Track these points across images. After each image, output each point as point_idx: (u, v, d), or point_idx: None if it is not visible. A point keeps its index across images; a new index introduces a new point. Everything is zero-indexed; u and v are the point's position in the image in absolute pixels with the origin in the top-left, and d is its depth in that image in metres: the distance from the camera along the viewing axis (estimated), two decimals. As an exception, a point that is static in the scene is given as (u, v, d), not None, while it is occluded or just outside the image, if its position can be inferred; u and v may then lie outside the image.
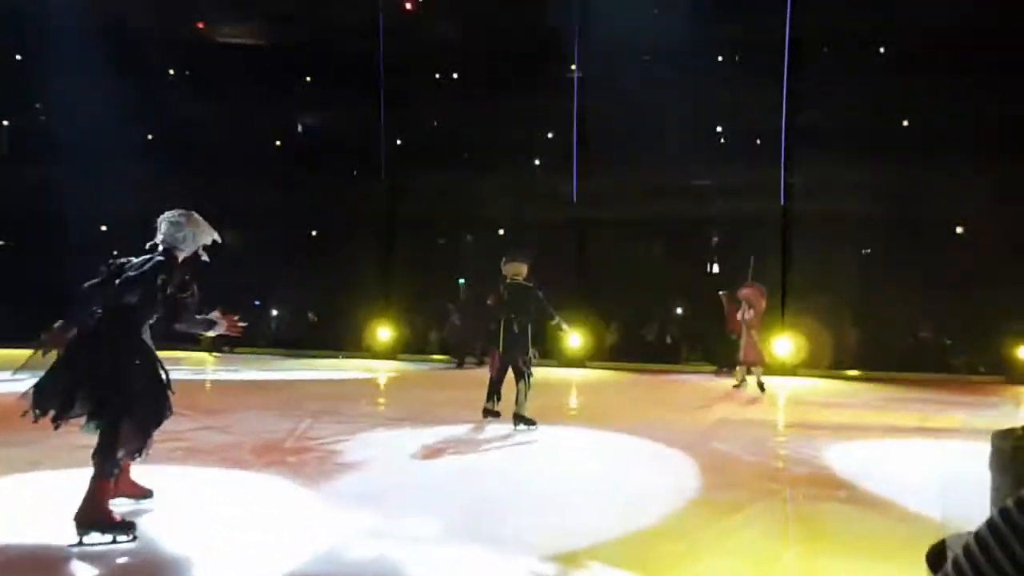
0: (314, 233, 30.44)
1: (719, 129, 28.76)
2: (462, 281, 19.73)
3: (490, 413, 8.29)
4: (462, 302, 19.41)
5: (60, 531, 4.08)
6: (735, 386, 12.70)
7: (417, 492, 5.38)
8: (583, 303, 19.34)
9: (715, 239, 27.80)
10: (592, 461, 6.86)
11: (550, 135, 28.95)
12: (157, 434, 4.42)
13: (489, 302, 8.43)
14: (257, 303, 24.66)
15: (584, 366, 17.64)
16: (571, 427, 8.84)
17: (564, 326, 8.67)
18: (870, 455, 7.17)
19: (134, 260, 4.41)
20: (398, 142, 30.61)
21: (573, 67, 24.47)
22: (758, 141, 27.86)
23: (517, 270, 8.35)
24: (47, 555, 3.80)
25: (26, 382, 4.13)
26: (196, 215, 4.67)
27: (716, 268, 27.65)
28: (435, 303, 22.84)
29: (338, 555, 3.93)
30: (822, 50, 25.57)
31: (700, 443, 7.53)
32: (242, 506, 4.91)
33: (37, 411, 4.16)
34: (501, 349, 8.22)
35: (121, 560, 3.77)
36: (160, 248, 4.44)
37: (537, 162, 30.49)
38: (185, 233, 4.52)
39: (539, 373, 8.88)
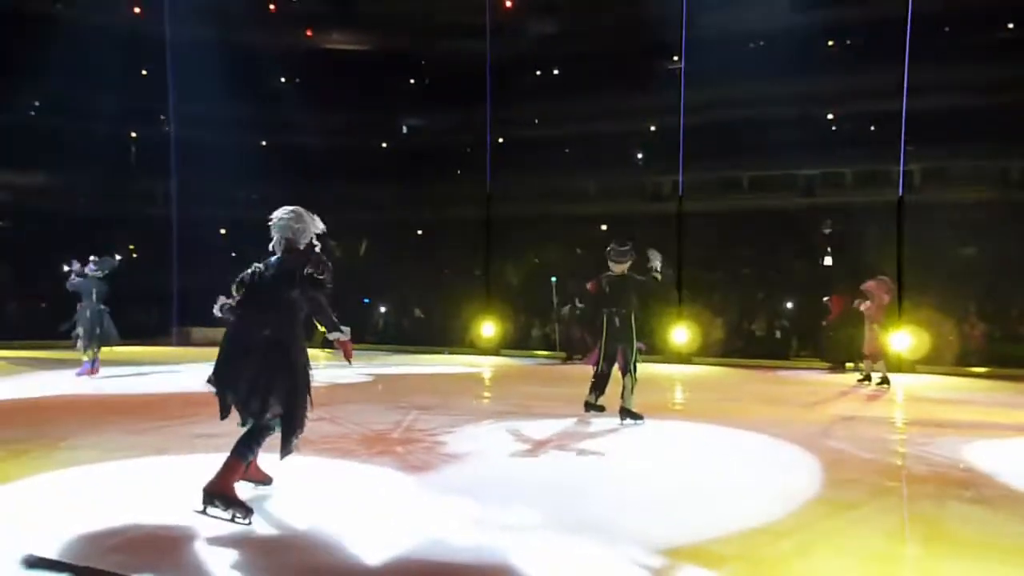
0: (420, 232, 31.10)
1: (829, 117, 27.70)
2: (554, 279, 19.65)
3: (592, 407, 8.23)
4: (566, 298, 19.34)
5: (180, 516, 4.30)
6: (859, 380, 12.48)
7: (520, 484, 5.40)
8: (688, 298, 19.01)
9: (827, 231, 26.80)
10: (699, 457, 6.73)
11: (652, 128, 28.57)
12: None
13: (589, 287, 8.39)
14: (366, 300, 25.38)
15: (690, 362, 17.32)
16: (677, 422, 8.70)
17: (657, 274, 8.27)
18: (999, 454, 6.74)
19: (269, 263, 4.77)
20: (500, 140, 30.87)
21: (676, 58, 24.02)
22: (872, 128, 26.69)
23: (619, 263, 8.28)
24: (166, 537, 4.00)
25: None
26: (301, 209, 4.95)
27: (828, 260, 26.65)
28: (538, 299, 22.90)
29: (442, 543, 3.99)
30: (942, 30, 24.23)
31: (813, 440, 7.27)
32: (351, 494, 5.05)
33: (223, 404, 4.61)
34: (604, 342, 8.16)
35: (235, 543, 3.94)
36: (283, 246, 4.74)
37: (640, 156, 30.17)
38: (297, 227, 4.79)
39: (643, 369, 8.77)
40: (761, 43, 26.79)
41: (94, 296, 11.67)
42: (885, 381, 12.09)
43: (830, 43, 27.58)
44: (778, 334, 20.14)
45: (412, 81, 33.05)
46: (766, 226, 25.32)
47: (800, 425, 8.20)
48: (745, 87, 25.69)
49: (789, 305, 22.41)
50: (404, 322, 24.19)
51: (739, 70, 25.24)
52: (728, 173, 27.19)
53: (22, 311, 22.34)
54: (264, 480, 4.98)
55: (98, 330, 11.64)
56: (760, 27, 25.99)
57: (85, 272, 11.72)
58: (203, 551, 3.77)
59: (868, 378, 12.42)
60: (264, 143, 31.31)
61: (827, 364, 16.05)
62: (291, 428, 4.60)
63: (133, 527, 4.09)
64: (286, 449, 4.64)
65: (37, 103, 29.92)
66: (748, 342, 19.58)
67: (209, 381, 4.65)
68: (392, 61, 30.79)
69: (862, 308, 12.18)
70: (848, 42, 27.58)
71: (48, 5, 27.86)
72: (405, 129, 33.00)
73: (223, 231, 31.66)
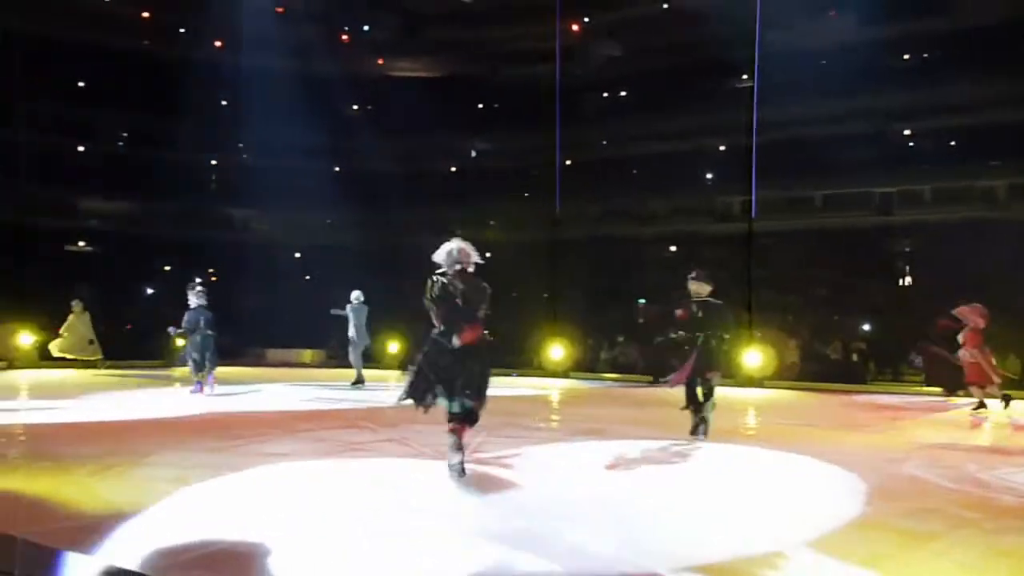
0: (488, 255, 31.41)
1: (906, 132, 26.94)
2: (641, 301, 19.47)
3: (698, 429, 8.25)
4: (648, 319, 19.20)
5: (256, 531, 4.43)
6: (974, 410, 11.77)
7: (585, 503, 5.38)
8: (759, 320, 18.64)
9: (905, 250, 25.99)
10: (769, 484, 6.59)
11: (721, 148, 28.27)
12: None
13: (678, 313, 8.47)
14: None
15: (762, 385, 16.96)
16: (749, 447, 8.53)
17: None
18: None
19: (457, 283, 6.00)
20: (567, 162, 30.95)
21: (745, 76, 23.76)
22: (952, 143, 25.88)
23: (702, 288, 8.34)
24: (244, 553, 4.12)
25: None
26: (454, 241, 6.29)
27: (908, 281, 25.84)
28: (606, 321, 22.79)
29: (504, 563, 3.99)
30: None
31: (890, 467, 7.05)
32: (414, 514, 5.10)
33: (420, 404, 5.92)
34: (693, 365, 8.18)
35: (303, 557, 4.02)
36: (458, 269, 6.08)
37: (709, 175, 29.84)
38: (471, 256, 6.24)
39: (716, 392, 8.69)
40: (833, 58, 26.30)
41: (202, 323, 12.71)
42: (982, 406, 11.63)
43: (905, 56, 26.89)
44: (855, 357, 19.55)
45: (480, 105, 33.47)
46: (840, 245, 24.70)
47: (877, 451, 7.96)
48: (817, 103, 25.24)
49: (866, 327, 21.78)
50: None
51: (811, 86, 24.83)
52: (801, 192, 26.66)
53: (109, 333, 23.20)
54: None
55: (204, 353, 12.72)
56: (831, 42, 25.51)
57: (192, 304, 12.82)
58: (277, 567, 3.86)
59: (983, 405, 11.73)
60: (337, 169, 32.09)
61: (943, 390, 15.09)
62: (474, 420, 6.01)
63: (212, 542, 4.22)
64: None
65: (125, 134, 31.32)
66: (823, 365, 19.05)
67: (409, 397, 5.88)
68: (461, 86, 31.28)
69: (961, 337, 11.80)
70: (925, 55, 26.84)
71: (136, 42, 29.18)
72: (474, 152, 33.38)
73: (297, 255, 32.50)
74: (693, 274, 8.52)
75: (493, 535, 4.60)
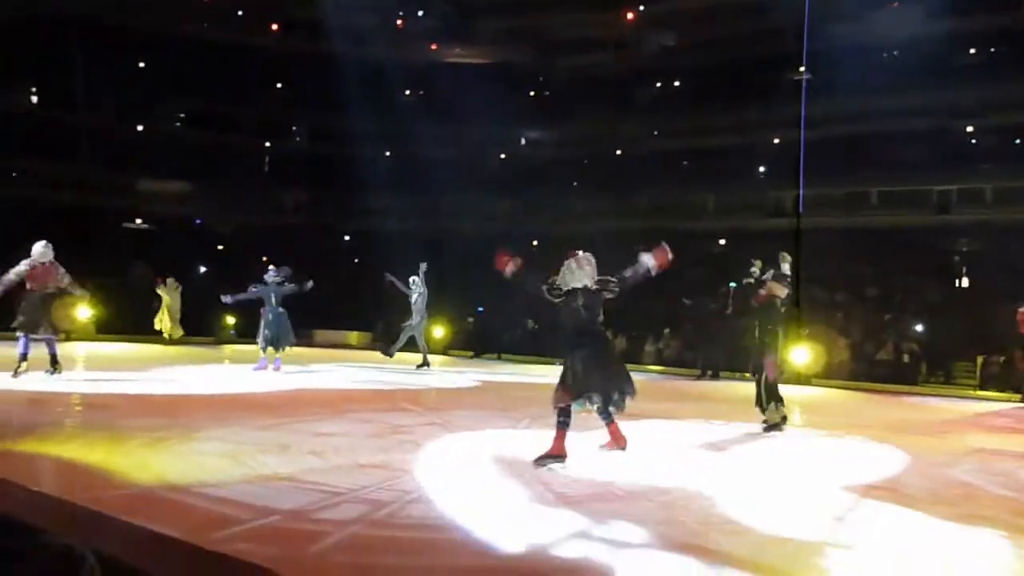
0: (535, 243, 31.24)
1: (968, 129, 26.20)
2: (732, 284, 19.19)
3: (775, 426, 8.35)
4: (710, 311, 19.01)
5: (303, 508, 4.51)
6: None
7: (624, 490, 5.36)
8: (807, 317, 18.34)
9: (963, 250, 25.31)
10: (811, 483, 6.49)
11: (775, 141, 27.81)
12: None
13: (758, 299, 8.53)
14: (479, 310, 25.73)
15: (809, 383, 16.70)
16: (791, 446, 8.41)
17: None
18: None
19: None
20: (617, 152, 30.78)
21: (801, 69, 23.30)
22: (1017, 141, 25.12)
23: (777, 287, 8.59)
24: (293, 530, 4.20)
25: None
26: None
27: (965, 282, 25.17)
28: (650, 315, 22.61)
29: (542, 551, 4.01)
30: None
31: (939, 472, 6.89)
32: (456, 498, 5.13)
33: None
34: (766, 355, 8.48)
35: (351, 539, 4.08)
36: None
37: (761, 170, 29.41)
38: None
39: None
40: (894, 53, 25.66)
41: (273, 300, 13.02)
42: None
43: (971, 51, 26.13)
44: (906, 358, 19.14)
45: (532, 94, 33.41)
46: (894, 244, 24.16)
47: (927, 455, 7.79)
48: (876, 99, 24.68)
49: (919, 328, 21.29)
50: (517, 332, 24.31)
51: (870, 81, 24.28)
52: (856, 188, 26.13)
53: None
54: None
55: (277, 331, 13.01)
56: (893, 37, 24.90)
57: (265, 279, 13.15)
58: (328, 546, 3.93)
59: None
60: (388, 154, 32.35)
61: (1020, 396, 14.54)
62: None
63: (259, 515, 4.31)
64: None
65: (183, 115, 31.97)
66: (872, 365, 18.70)
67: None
68: (512, 74, 31.24)
69: None
70: (991, 50, 26.06)
71: (194, 26, 29.71)
72: (524, 141, 33.37)
73: (347, 238, 32.89)
74: (771, 272, 8.62)
75: (537, 523, 4.62)
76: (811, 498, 5.76)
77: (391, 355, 15.29)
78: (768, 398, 8.41)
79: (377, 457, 6.12)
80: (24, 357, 10.20)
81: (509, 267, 6.39)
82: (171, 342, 19.22)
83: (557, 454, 6.02)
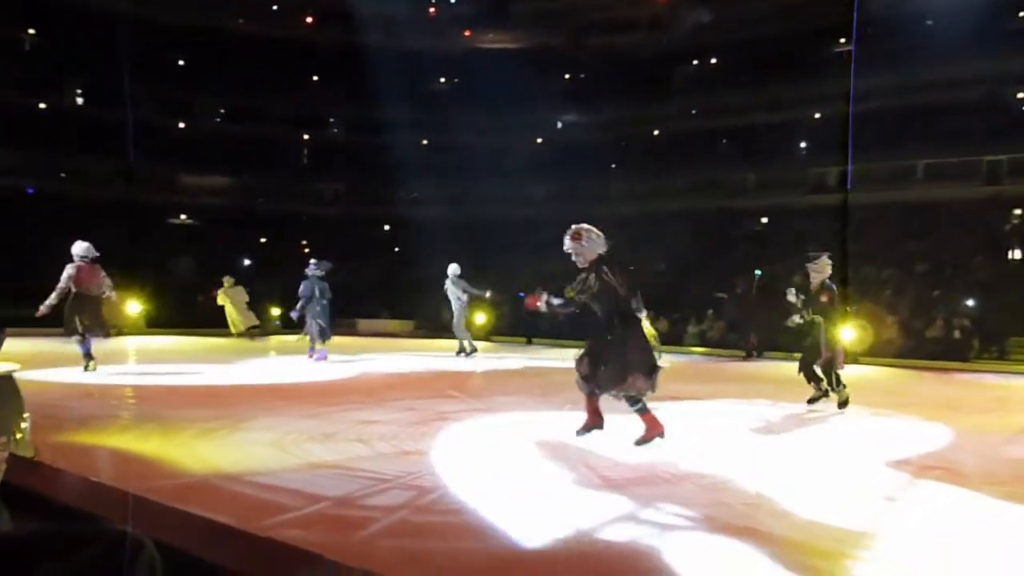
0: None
1: (1020, 96, 25.40)
2: (758, 272, 19.03)
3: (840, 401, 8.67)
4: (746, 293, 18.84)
5: (349, 494, 4.57)
6: None
7: (670, 473, 5.34)
8: (854, 294, 18.02)
9: (1014, 222, 24.61)
10: (860, 462, 6.38)
11: (816, 116, 27.29)
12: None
13: (826, 298, 8.77)
14: (521, 295, 25.76)
15: (857, 362, 16.41)
16: (841, 424, 8.30)
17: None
18: None
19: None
20: (654, 132, 30.48)
21: (843, 40, 22.79)
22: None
23: (824, 268, 8.76)
24: (342, 517, 4.26)
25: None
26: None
27: (1018, 254, 24.49)
28: (692, 296, 22.43)
29: (591, 536, 4.02)
30: None
31: (992, 450, 6.74)
32: (500, 483, 5.15)
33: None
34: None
35: (393, 524, 4.13)
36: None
37: (803, 146, 28.87)
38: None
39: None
40: (940, 21, 24.92)
41: (317, 292, 13.33)
42: None
43: (1021, 15, 25.26)
44: (957, 334, 18.71)
45: (567, 76, 33.18)
46: (943, 218, 23.58)
47: (980, 433, 7.62)
48: (922, 69, 24.05)
49: (970, 303, 20.79)
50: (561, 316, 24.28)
51: (915, 51, 23.68)
52: (901, 162, 25.51)
53: (205, 303, 24.18)
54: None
55: (326, 322, 13.42)
56: (938, 3, 24.21)
57: (307, 273, 13.53)
58: (375, 531, 3.98)
59: None
60: (425, 142, 32.44)
61: None
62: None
63: (308, 503, 4.39)
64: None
65: (222, 110, 32.36)
66: (922, 342, 18.32)
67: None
68: (547, 57, 31.05)
69: None
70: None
71: (230, 20, 30.01)
72: (559, 125, 33.17)
73: (387, 227, 33.10)
74: (813, 258, 8.83)
75: (585, 508, 4.62)
76: (861, 478, 5.68)
77: (466, 351, 15.30)
78: (836, 381, 8.66)
79: (422, 444, 6.17)
80: (90, 354, 10.43)
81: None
82: (248, 335, 19.24)
83: (591, 424, 6.38)
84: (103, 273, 10.66)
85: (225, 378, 11.03)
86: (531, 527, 4.08)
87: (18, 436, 4.90)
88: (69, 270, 10.37)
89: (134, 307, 19.98)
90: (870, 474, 5.80)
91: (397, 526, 4.06)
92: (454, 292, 14.89)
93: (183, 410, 7.68)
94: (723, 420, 8.06)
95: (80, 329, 10.32)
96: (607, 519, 4.23)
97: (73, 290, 10.37)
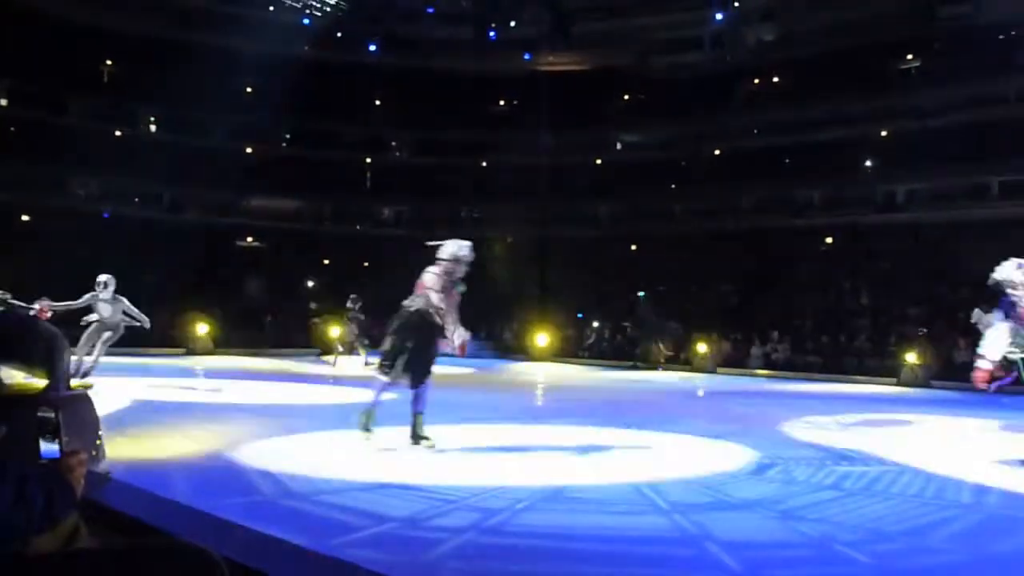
0: (633, 247, 30.78)
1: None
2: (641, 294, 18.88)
3: None
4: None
5: (415, 511, 4.56)
6: None
7: (737, 498, 5.19)
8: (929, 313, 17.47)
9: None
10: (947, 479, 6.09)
11: (883, 133, 26.64)
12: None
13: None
14: (580, 316, 25.64)
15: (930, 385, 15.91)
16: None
17: None
18: None
19: None
20: (716, 152, 30.14)
21: (908, 56, 22.27)
22: None
23: None
24: (408, 535, 4.25)
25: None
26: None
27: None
28: (759, 316, 22.01)
29: (663, 557, 3.93)
30: None
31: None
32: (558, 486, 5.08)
33: None
34: None
35: (460, 523, 4.10)
36: None
37: (868, 163, 28.15)
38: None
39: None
40: (1012, 33, 24.15)
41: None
42: None
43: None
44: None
45: (626, 97, 33.09)
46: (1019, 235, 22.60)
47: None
48: (991, 84, 23.33)
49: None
50: (617, 337, 24.06)
51: (989, 64, 23.01)
52: (977, 179, 24.62)
53: (275, 324, 24.69)
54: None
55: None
56: (1010, 16, 23.44)
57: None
58: (442, 553, 3.96)
59: None
60: (484, 164, 32.68)
61: None
62: None
63: (375, 523, 4.39)
64: None
65: (288, 135, 33.02)
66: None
67: None
68: (607, 78, 31.00)
69: None
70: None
71: (299, 48, 30.60)
72: (619, 145, 32.99)
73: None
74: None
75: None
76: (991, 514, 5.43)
77: None
78: None
79: (487, 463, 6.14)
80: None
81: None
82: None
83: None
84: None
85: (288, 396, 11.17)
86: (595, 551, 4.00)
87: (94, 453, 5.03)
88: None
89: (203, 328, 20.54)
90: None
91: (463, 548, 4.01)
92: None
93: (250, 427, 7.77)
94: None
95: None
96: (675, 544, 4.13)
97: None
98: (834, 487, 5.70)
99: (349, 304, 16.68)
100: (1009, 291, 6.31)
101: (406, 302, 6.44)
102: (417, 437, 6.33)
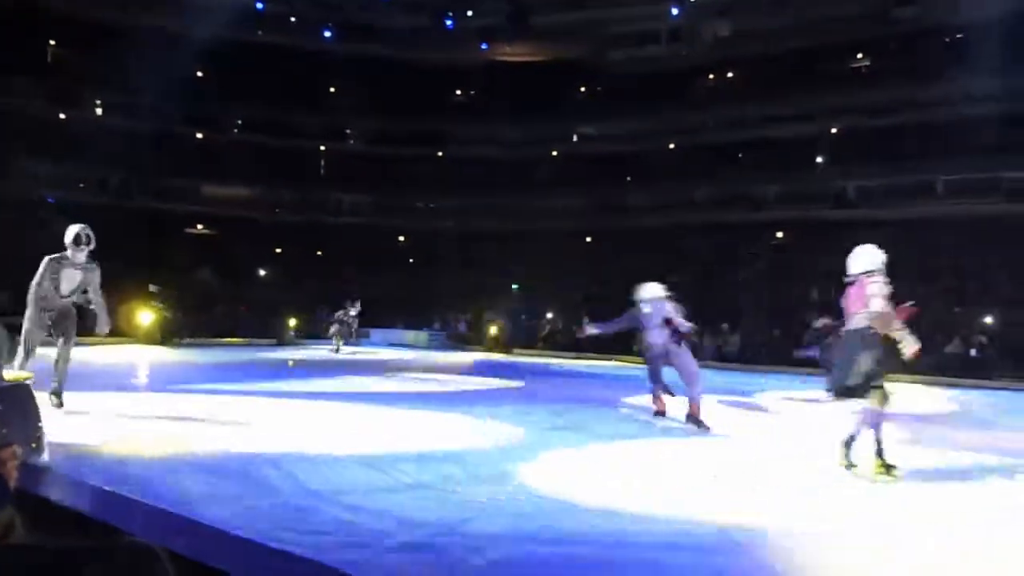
0: (588, 240, 30.85)
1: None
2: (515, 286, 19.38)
3: None
4: None
5: (444, 518, 4.41)
6: None
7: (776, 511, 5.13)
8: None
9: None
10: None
11: (833, 131, 27.12)
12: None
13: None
14: (530, 309, 25.74)
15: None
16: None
17: None
18: None
19: None
20: (671, 146, 30.37)
21: (860, 55, 22.66)
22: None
23: None
24: (440, 542, 4.11)
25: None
26: None
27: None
28: (710, 309, 22.23)
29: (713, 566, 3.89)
30: None
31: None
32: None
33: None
34: None
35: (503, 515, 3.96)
36: None
37: (819, 160, 28.61)
38: None
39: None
40: (958, 36, 24.69)
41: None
42: None
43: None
44: (972, 352, 18.59)
45: (583, 89, 33.13)
46: (974, 233, 23.07)
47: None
48: (941, 84, 23.87)
49: (988, 320, 20.58)
50: (574, 329, 24.11)
51: (935, 67, 23.54)
52: (920, 176, 25.18)
53: (226, 313, 24.27)
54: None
55: None
56: (958, 18, 23.97)
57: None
58: (478, 564, 3.85)
59: None
60: (440, 154, 32.47)
61: None
62: None
63: (405, 530, 4.28)
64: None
65: (240, 122, 32.39)
66: (940, 358, 18.01)
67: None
68: (565, 70, 30.98)
69: None
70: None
71: (251, 33, 30.05)
72: (575, 138, 33.01)
73: (401, 238, 33.10)
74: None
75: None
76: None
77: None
78: None
79: (517, 465, 5.75)
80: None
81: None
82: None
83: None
84: None
85: (303, 392, 10.36)
86: (635, 560, 3.85)
87: (34, 446, 4.85)
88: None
89: (148, 317, 19.94)
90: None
91: (498, 556, 3.77)
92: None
93: (253, 425, 7.29)
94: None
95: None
96: (722, 552, 3.98)
97: None
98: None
99: (347, 306, 18.69)
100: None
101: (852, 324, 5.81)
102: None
